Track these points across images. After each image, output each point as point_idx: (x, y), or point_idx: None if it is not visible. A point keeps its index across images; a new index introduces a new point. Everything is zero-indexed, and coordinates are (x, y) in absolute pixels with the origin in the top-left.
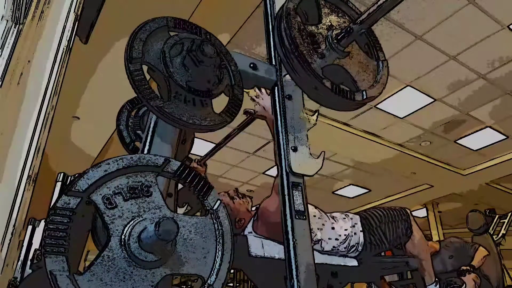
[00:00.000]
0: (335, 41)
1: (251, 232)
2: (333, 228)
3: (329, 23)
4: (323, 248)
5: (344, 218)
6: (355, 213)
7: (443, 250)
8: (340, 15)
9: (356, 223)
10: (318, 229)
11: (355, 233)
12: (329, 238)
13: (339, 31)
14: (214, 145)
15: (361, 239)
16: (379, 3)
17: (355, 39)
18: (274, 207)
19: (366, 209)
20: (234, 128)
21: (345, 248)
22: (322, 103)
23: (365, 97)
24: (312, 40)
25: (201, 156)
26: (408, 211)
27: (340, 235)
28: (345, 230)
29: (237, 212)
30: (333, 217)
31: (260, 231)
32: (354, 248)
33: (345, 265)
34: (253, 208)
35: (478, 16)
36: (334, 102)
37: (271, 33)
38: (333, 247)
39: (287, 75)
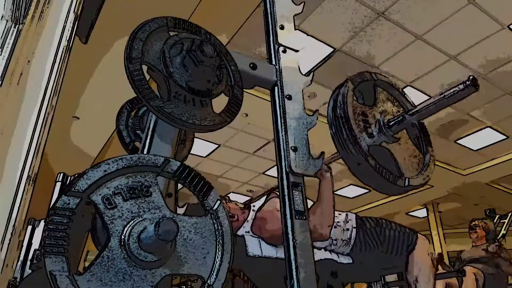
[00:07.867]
0: (386, 126)
1: (248, 232)
2: None
3: (383, 109)
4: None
5: (340, 214)
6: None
7: None
8: (395, 104)
9: (350, 219)
10: None
11: (347, 229)
12: None
13: (392, 117)
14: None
15: (353, 235)
16: (432, 100)
17: (406, 128)
18: (269, 218)
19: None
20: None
21: (335, 240)
22: (363, 180)
23: (407, 184)
24: (364, 119)
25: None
26: (421, 236)
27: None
28: (337, 222)
29: (228, 209)
30: None
31: (258, 233)
32: (346, 243)
33: (341, 263)
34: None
35: (478, 16)
36: (375, 182)
37: (271, 33)
38: None
39: (287, 75)
